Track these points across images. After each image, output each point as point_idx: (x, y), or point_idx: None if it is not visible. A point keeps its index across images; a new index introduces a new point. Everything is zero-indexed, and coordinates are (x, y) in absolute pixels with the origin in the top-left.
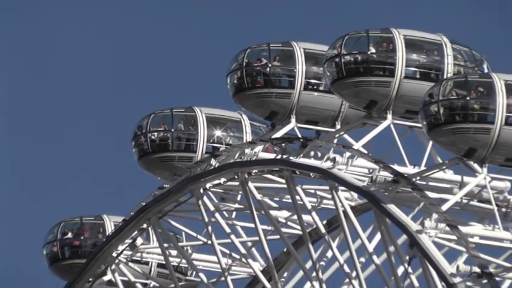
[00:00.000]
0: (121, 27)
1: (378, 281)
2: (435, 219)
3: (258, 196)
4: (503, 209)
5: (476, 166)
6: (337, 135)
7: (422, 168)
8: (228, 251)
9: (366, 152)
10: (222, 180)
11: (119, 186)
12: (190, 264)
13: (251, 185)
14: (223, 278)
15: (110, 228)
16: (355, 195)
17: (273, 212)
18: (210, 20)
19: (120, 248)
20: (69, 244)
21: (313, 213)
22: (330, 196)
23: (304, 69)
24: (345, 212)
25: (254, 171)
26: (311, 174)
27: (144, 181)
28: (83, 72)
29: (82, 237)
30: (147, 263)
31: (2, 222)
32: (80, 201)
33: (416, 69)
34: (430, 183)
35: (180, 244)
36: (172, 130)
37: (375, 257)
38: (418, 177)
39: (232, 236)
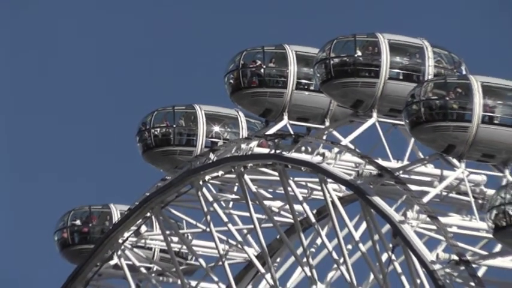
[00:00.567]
0: (121, 28)
1: (363, 267)
2: (417, 211)
3: (253, 188)
4: (480, 201)
5: (455, 161)
6: (326, 132)
7: (405, 163)
8: (225, 238)
9: (352, 147)
10: (220, 172)
11: (124, 178)
12: (190, 249)
13: (247, 177)
14: (220, 263)
15: (116, 216)
16: (343, 187)
17: (266, 202)
18: (210, 20)
19: (126, 234)
20: (78, 231)
21: (304, 204)
22: (319, 188)
23: (296, 70)
24: (333, 202)
25: (249, 164)
26: (302, 168)
27: (148, 173)
28: (82, 72)
29: (90, 225)
30: (150, 249)
31: (15, 213)
32: (89, 191)
33: (399, 71)
34: (412, 177)
35: (180, 231)
36: (174, 126)
37: (360, 245)
38: (401, 171)
39: (229, 224)
